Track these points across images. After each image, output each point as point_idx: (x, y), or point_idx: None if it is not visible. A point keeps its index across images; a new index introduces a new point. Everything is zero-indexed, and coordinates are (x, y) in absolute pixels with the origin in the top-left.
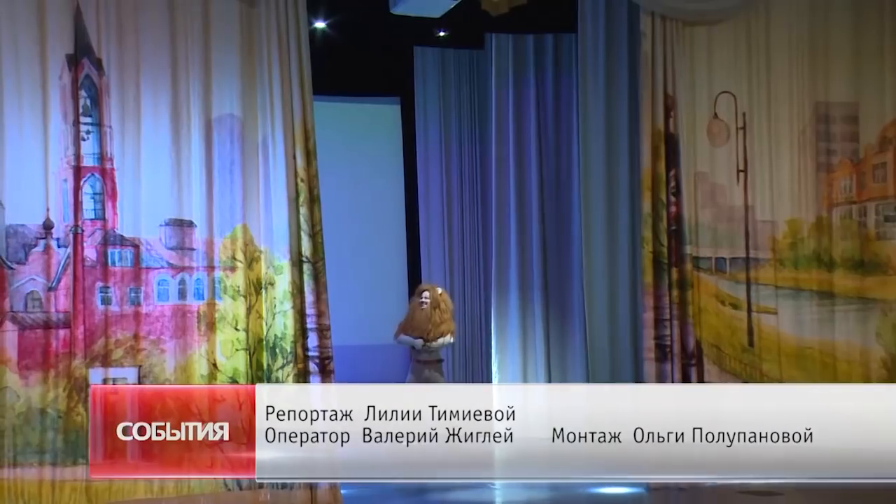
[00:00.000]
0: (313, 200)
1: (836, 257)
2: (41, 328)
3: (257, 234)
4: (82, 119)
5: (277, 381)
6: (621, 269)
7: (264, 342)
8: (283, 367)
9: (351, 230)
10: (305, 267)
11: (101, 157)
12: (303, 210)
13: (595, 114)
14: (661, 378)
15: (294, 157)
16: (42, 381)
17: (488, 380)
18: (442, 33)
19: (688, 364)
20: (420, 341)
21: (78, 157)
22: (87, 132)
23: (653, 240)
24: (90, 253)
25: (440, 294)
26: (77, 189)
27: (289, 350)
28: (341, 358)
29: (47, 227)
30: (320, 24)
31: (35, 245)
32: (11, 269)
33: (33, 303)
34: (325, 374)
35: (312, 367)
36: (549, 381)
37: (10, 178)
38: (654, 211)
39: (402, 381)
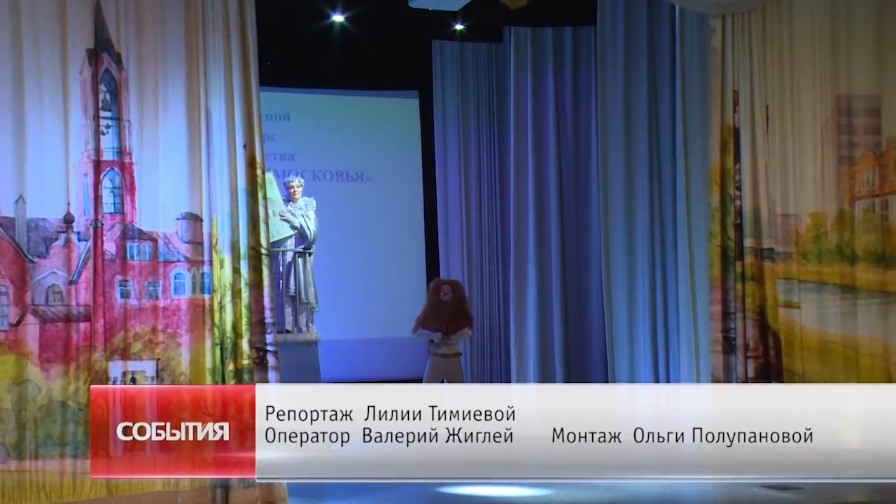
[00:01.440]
0: (262, 190)
1: (859, 251)
2: (62, 321)
3: (211, 226)
4: (102, 113)
5: (225, 378)
6: (641, 263)
7: (221, 337)
8: (229, 361)
9: (368, 225)
10: (255, 259)
11: (120, 151)
12: (252, 200)
13: (614, 107)
14: (727, 371)
15: (246, 146)
16: (63, 374)
17: (507, 377)
18: (460, 27)
19: (752, 358)
20: (439, 334)
21: (98, 151)
22: (107, 126)
23: (721, 234)
24: (109, 247)
25: (458, 287)
26: (97, 183)
27: (242, 345)
28: (357, 352)
29: (68, 220)
30: (338, 18)
31: (56, 239)
32: (33, 262)
33: (54, 296)
34: (273, 370)
35: (270, 360)
36: (569, 379)
37: (31, 172)
38: (723, 205)
39: (418, 374)
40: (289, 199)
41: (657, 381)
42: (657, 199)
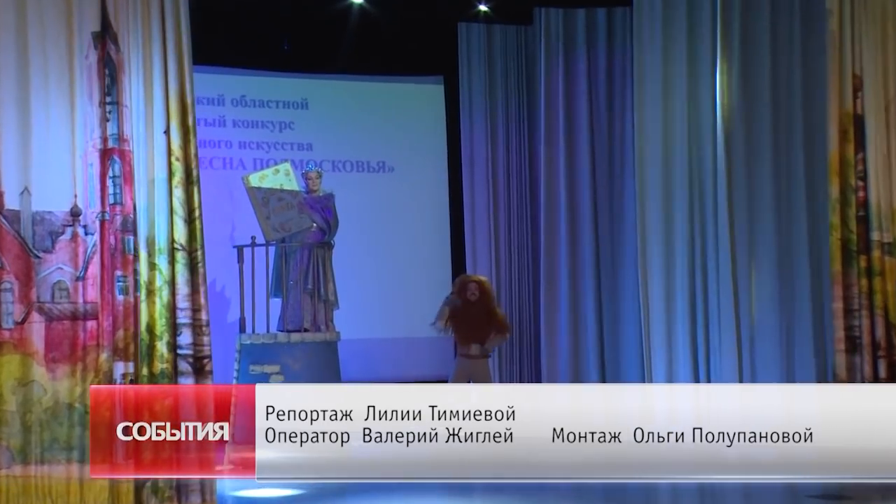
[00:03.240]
0: (191, 182)
1: None
2: (68, 319)
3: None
4: (106, 99)
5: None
6: (679, 257)
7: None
8: (143, 366)
9: (390, 218)
10: (179, 255)
11: (120, 138)
12: (177, 192)
13: (651, 93)
14: (851, 370)
15: (167, 133)
16: (70, 375)
17: (537, 379)
18: (487, 8)
19: (882, 357)
20: (476, 347)
21: (104, 139)
22: (109, 112)
23: (841, 226)
24: (113, 240)
25: (485, 286)
26: (104, 174)
27: (159, 348)
28: (379, 351)
29: (74, 213)
30: (358, 0)
31: (62, 233)
32: (38, 257)
33: (60, 293)
34: (202, 375)
35: (185, 366)
36: (603, 381)
37: (36, 162)
38: (843, 196)
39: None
40: (307, 190)
41: (696, 381)
42: (697, 189)
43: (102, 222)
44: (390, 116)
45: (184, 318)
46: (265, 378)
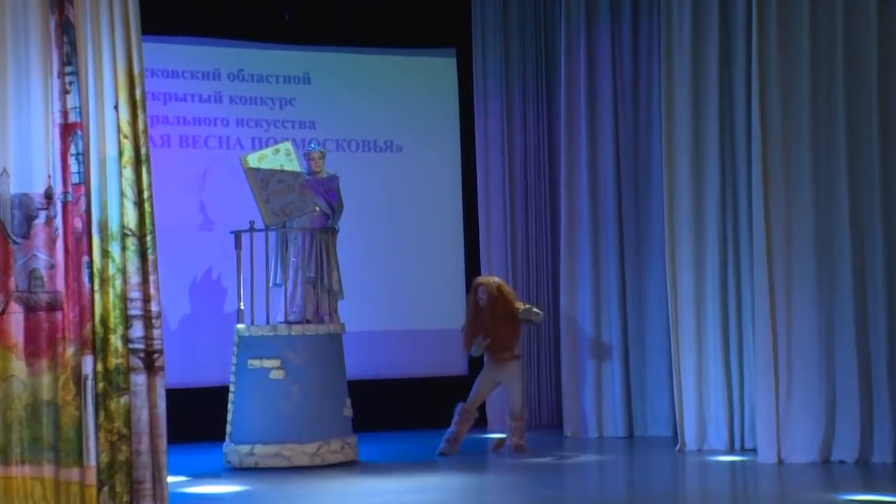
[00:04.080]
0: (140, 161)
1: None
2: (44, 310)
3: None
4: (66, 70)
5: (96, 380)
6: (710, 248)
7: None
8: (98, 361)
9: (399, 201)
10: (129, 242)
11: (82, 111)
12: (126, 172)
13: (680, 67)
14: None
15: (116, 108)
16: (47, 370)
17: (556, 379)
18: None
19: None
20: (488, 340)
21: (64, 113)
22: (70, 83)
23: None
24: (80, 224)
25: (497, 287)
26: (65, 151)
27: (113, 342)
28: (385, 345)
29: (48, 195)
30: None
31: (36, 216)
32: (17, 243)
33: (36, 282)
34: (152, 371)
35: (136, 362)
36: (629, 396)
37: (14, 140)
38: None
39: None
40: (310, 171)
41: (728, 380)
42: (729, 173)
43: (65, 204)
44: (399, 92)
45: (135, 309)
46: (265, 373)
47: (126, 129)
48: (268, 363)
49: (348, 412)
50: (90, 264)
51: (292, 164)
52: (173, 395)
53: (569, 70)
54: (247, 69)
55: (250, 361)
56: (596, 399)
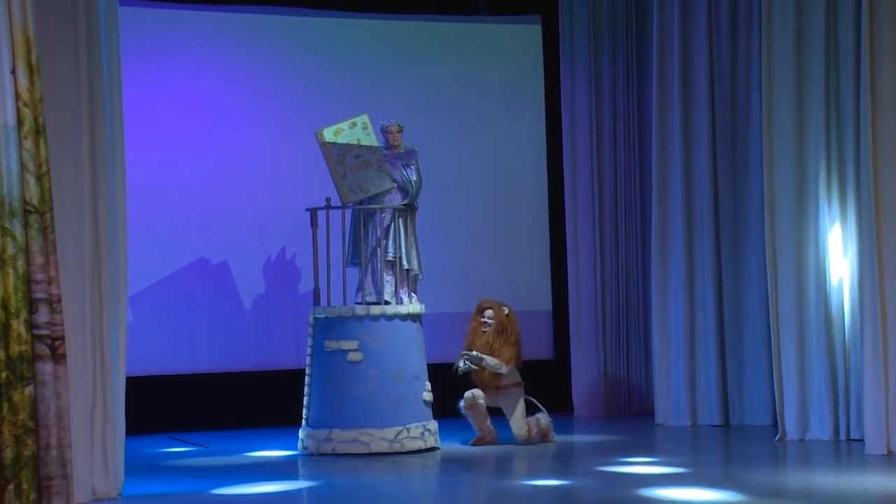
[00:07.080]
0: (38, 131)
1: None
2: None
3: None
4: None
5: None
6: (811, 236)
7: None
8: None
9: (480, 177)
10: (32, 219)
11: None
12: (27, 143)
13: (782, 36)
14: None
15: (13, 73)
16: None
17: (648, 377)
18: None
19: None
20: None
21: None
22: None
23: None
24: None
25: (507, 315)
26: None
27: (16, 327)
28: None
29: None
30: None
31: None
32: None
33: None
34: (56, 359)
35: (42, 348)
36: (726, 399)
37: None
38: None
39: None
40: (387, 146)
41: (833, 366)
42: (835, 148)
43: None
44: (479, 62)
45: (40, 292)
46: (342, 355)
47: (26, 96)
48: (345, 345)
49: (428, 397)
50: None
51: (369, 138)
52: (248, 379)
53: (661, 37)
54: (325, 39)
55: (327, 343)
56: (689, 386)
